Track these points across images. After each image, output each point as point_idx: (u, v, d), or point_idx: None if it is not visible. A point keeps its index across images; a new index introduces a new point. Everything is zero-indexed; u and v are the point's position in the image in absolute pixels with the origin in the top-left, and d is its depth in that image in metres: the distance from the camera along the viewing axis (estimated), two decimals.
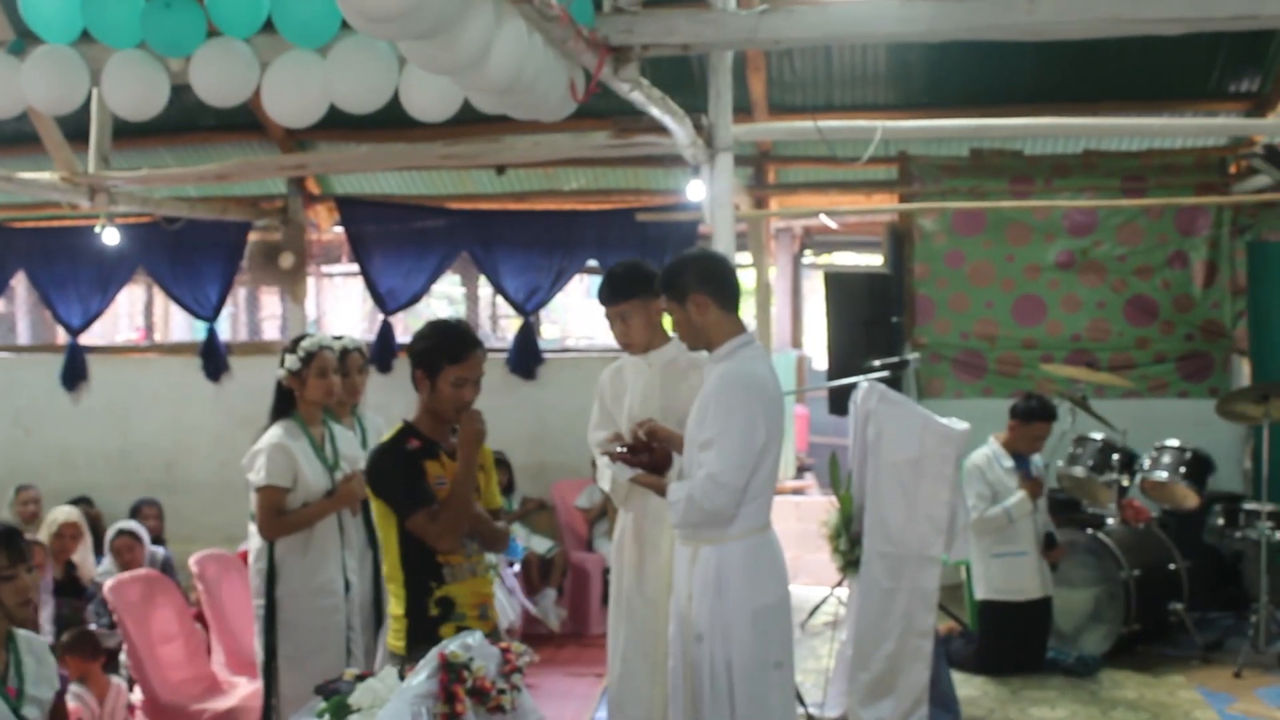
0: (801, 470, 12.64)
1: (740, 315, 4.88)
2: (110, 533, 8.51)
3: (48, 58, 6.40)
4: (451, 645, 3.98)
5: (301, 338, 5.94)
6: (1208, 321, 9.96)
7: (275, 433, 5.74)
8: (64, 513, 8.38)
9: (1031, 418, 7.83)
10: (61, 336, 12.98)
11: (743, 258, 9.75)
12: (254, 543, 5.85)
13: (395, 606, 4.63)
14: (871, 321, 9.49)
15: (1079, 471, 8.54)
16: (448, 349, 4.58)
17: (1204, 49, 9.17)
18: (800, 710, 6.86)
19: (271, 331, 17.39)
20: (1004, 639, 7.82)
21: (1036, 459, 7.96)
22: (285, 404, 5.88)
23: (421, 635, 4.40)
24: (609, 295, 5.54)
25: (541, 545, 9.34)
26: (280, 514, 5.61)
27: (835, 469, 7.40)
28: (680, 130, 7.41)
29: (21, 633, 4.30)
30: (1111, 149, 10.09)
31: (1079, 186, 9.99)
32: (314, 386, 5.79)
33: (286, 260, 11.03)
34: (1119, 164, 10.02)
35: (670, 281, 4.84)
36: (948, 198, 9.96)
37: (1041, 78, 9.50)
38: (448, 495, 4.57)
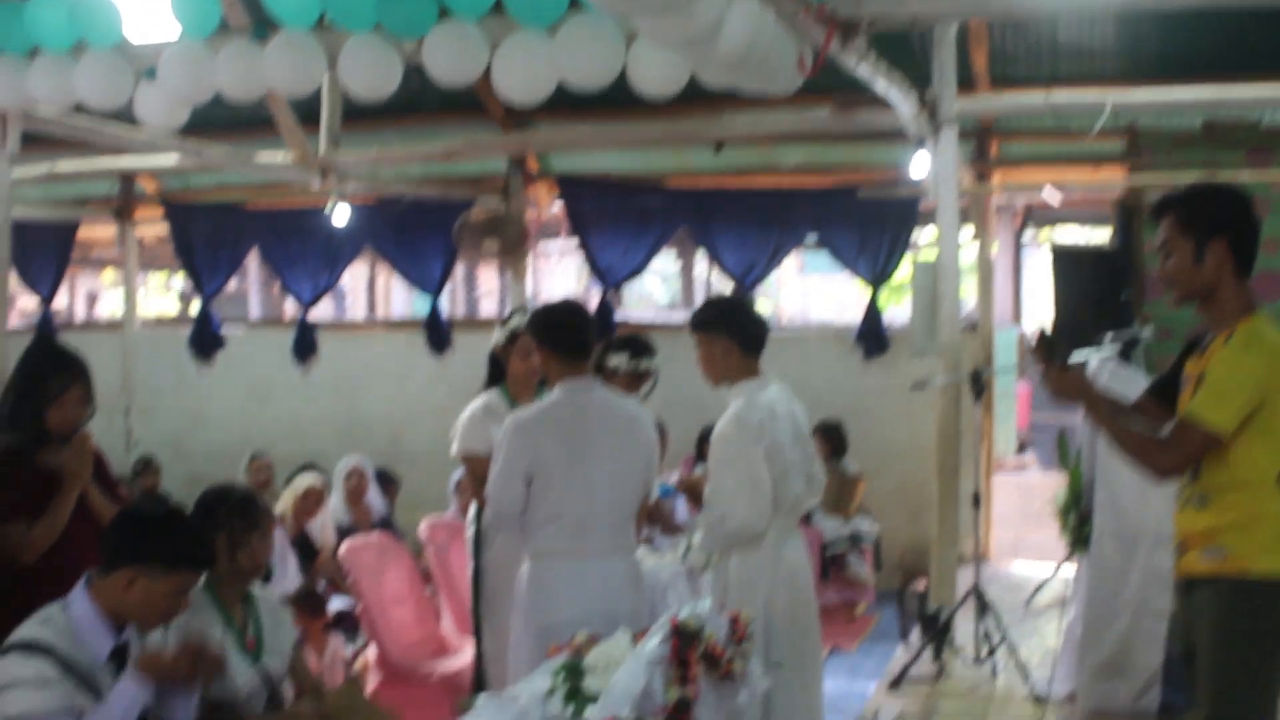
0: (1023, 448, 12.47)
1: (581, 363, 5.03)
2: (340, 468, 9.32)
3: (287, 42, 6.64)
4: (683, 612, 4.05)
5: (515, 312, 6.06)
6: None
7: (476, 403, 5.85)
8: (310, 479, 8.76)
9: None
10: (289, 312, 13.48)
11: (964, 233, 9.60)
12: (468, 511, 6.03)
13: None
14: (1099, 297, 9.27)
15: None
16: None
17: None
18: (1026, 688, 6.81)
19: (489, 308, 17.76)
20: None
21: None
22: (497, 375, 6.00)
23: None
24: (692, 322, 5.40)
25: None
26: (483, 481, 5.68)
27: (1064, 445, 7.31)
28: (903, 104, 7.36)
29: (258, 590, 4.51)
30: None
31: None
32: (515, 365, 5.87)
33: (492, 246, 11.23)
34: None
35: (530, 327, 5.24)
36: (1179, 171, 9.61)
37: None
38: None
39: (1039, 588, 9.02)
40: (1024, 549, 10.38)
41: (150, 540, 3.76)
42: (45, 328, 12.96)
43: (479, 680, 5.85)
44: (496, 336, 5.98)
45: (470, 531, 5.96)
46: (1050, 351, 4.18)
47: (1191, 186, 4.21)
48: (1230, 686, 3.87)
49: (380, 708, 4.63)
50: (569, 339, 5.02)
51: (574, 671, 3.84)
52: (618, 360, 6.19)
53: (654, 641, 3.86)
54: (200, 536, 3.93)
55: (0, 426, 4.89)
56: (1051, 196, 11.15)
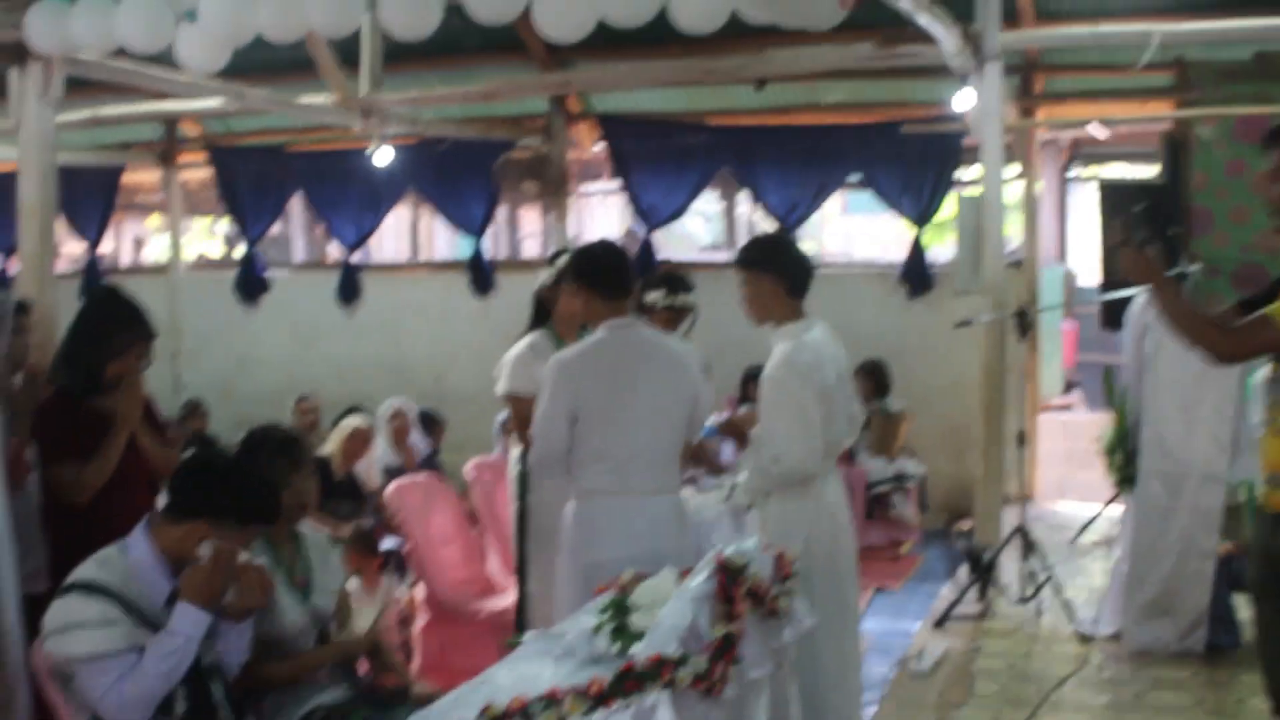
0: (1069, 387, 12.39)
1: (622, 303, 5.00)
2: (383, 410, 9.46)
3: None
4: (729, 550, 4.05)
5: (561, 252, 6.08)
6: None
7: (522, 344, 5.89)
8: (356, 420, 8.83)
9: None
10: (331, 255, 13.52)
11: (1009, 170, 9.49)
12: (511, 451, 6.07)
13: None
14: (1147, 234, 9.15)
15: None
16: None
17: None
18: (1071, 627, 6.79)
19: (531, 250, 17.73)
20: None
21: None
22: (541, 315, 6.04)
23: None
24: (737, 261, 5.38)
25: None
26: (528, 421, 5.68)
27: (1110, 384, 7.25)
28: (947, 39, 7.29)
29: (307, 529, 4.53)
30: None
31: None
32: (564, 303, 5.84)
33: (531, 189, 11.23)
34: None
35: (570, 269, 5.23)
36: (1229, 104, 9.45)
37: None
38: None
39: (1084, 527, 9.01)
40: (1069, 489, 10.34)
41: (227, 495, 3.79)
42: (92, 272, 13.06)
43: (521, 620, 5.88)
44: (543, 276, 6.02)
45: (514, 472, 6.00)
46: (1131, 230, 4.18)
47: None
48: None
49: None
50: (610, 279, 5.01)
51: (620, 608, 3.86)
52: (654, 296, 6.21)
53: (700, 578, 3.86)
54: (271, 491, 3.94)
55: (56, 367, 4.94)
56: (1098, 131, 11.02)
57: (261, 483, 3.92)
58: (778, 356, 5.04)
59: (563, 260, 5.88)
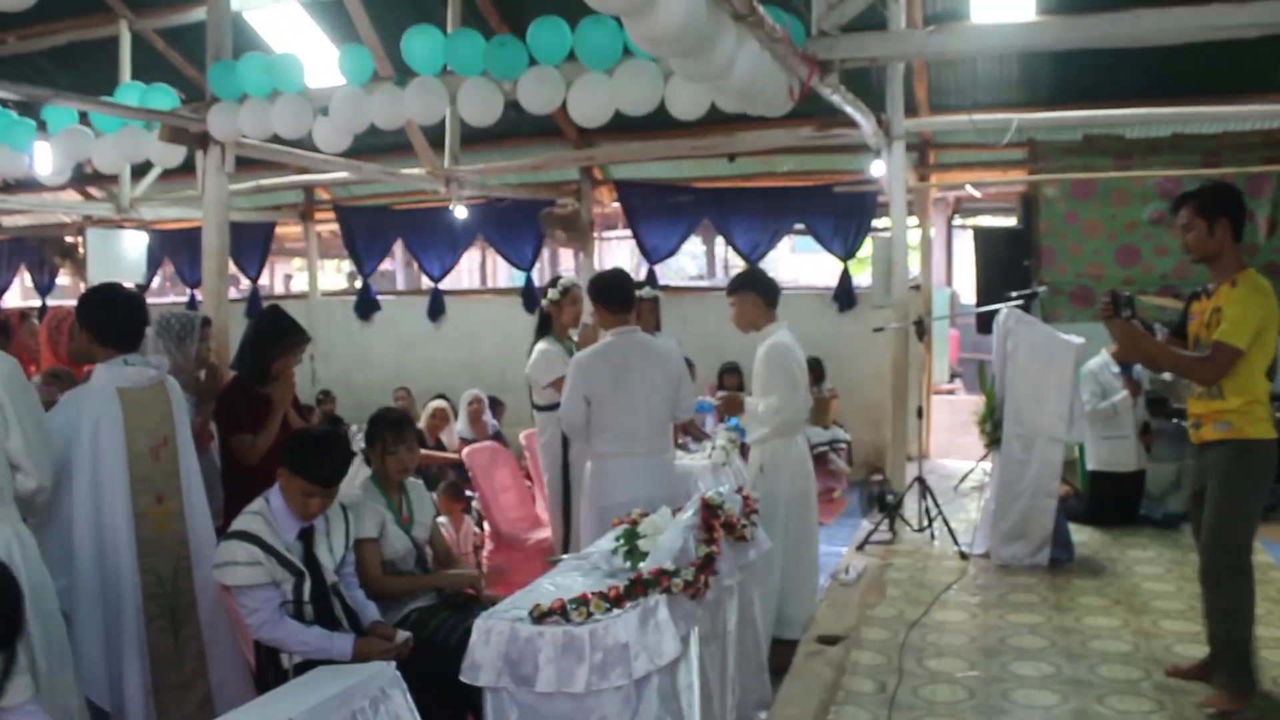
0: (953, 377, 12.35)
1: (626, 315, 5.01)
2: (465, 397, 9.37)
3: (421, 86, 6.57)
4: (710, 492, 4.04)
5: (556, 279, 6.22)
6: (1269, 264, 9.12)
7: (545, 344, 6.09)
8: (439, 403, 8.86)
9: None
10: (424, 284, 13.46)
11: (911, 219, 9.45)
12: (540, 425, 6.16)
13: None
14: (1008, 265, 9.16)
15: (1167, 376, 8.07)
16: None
17: (1271, 48, 8.36)
18: (954, 548, 6.77)
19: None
20: (1108, 500, 7.51)
21: (1137, 367, 7.59)
22: (545, 325, 6.19)
23: None
24: (728, 289, 5.53)
25: None
26: None
27: (983, 374, 7.23)
28: (866, 124, 7.26)
29: (410, 479, 4.52)
30: (1194, 131, 9.36)
31: (1168, 161, 9.24)
32: (567, 312, 6.08)
33: (560, 238, 11.21)
34: (1200, 143, 9.25)
35: (588, 290, 5.14)
36: (1066, 172, 9.44)
37: (1140, 76, 8.82)
38: None
39: (964, 477, 8.97)
40: (954, 449, 10.31)
41: (289, 449, 3.79)
42: (254, 299, 13.06)
43: (566, 546, 5.90)
44: (551, 295, 6.15)
45: (543, 439, 6.15)
46: (1117, 308, 4.22)
47: (1204, 185, 4.32)
48: (1231, 514, 4.08)
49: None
50: (617, 297, 5.04)
51: (632, 536, 3.87)
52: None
53: (689, 513, 3.88)
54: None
55: (238, 362, 4.95)
56: (973, 191, 10.97)
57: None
58: (768, 342, 5.26)
59: (564, 281, 6.14)
